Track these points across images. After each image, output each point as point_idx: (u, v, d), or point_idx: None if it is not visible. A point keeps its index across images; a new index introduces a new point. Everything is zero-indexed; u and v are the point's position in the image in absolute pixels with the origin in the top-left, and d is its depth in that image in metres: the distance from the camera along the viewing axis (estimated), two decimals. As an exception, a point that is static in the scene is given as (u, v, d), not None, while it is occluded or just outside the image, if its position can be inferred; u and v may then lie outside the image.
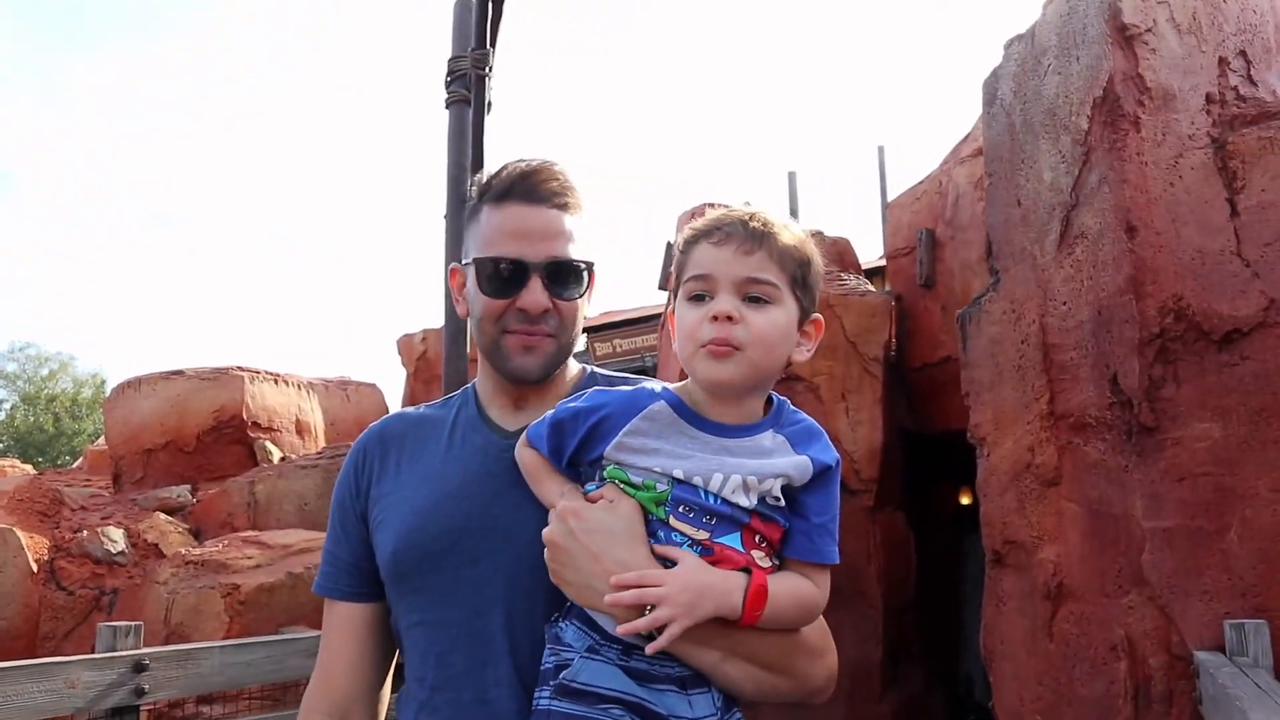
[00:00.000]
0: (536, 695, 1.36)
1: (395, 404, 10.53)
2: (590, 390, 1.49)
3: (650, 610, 1.25)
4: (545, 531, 1.38)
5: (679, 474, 1.33)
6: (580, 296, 1.60)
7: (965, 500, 9.61)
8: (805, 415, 1.44)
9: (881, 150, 14.24)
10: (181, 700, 4.20)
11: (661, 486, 1.33)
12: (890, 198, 10.82)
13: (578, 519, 1.34)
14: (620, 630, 1.27)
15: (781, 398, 1.46)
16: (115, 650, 3.62)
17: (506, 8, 4.50)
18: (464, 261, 1.64)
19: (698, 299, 1.37)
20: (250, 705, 4.44)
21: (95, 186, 71.70)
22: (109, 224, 72.60)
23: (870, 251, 11.74)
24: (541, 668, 1.38)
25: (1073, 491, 4.03)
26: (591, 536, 1.32)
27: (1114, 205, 3.83)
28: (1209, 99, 3.96)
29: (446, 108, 4.30)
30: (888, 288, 9.05)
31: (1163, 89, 3.90)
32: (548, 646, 1.39)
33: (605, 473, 1.38)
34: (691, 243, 1.40)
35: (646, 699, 1.28)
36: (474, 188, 1.65)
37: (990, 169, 4.52)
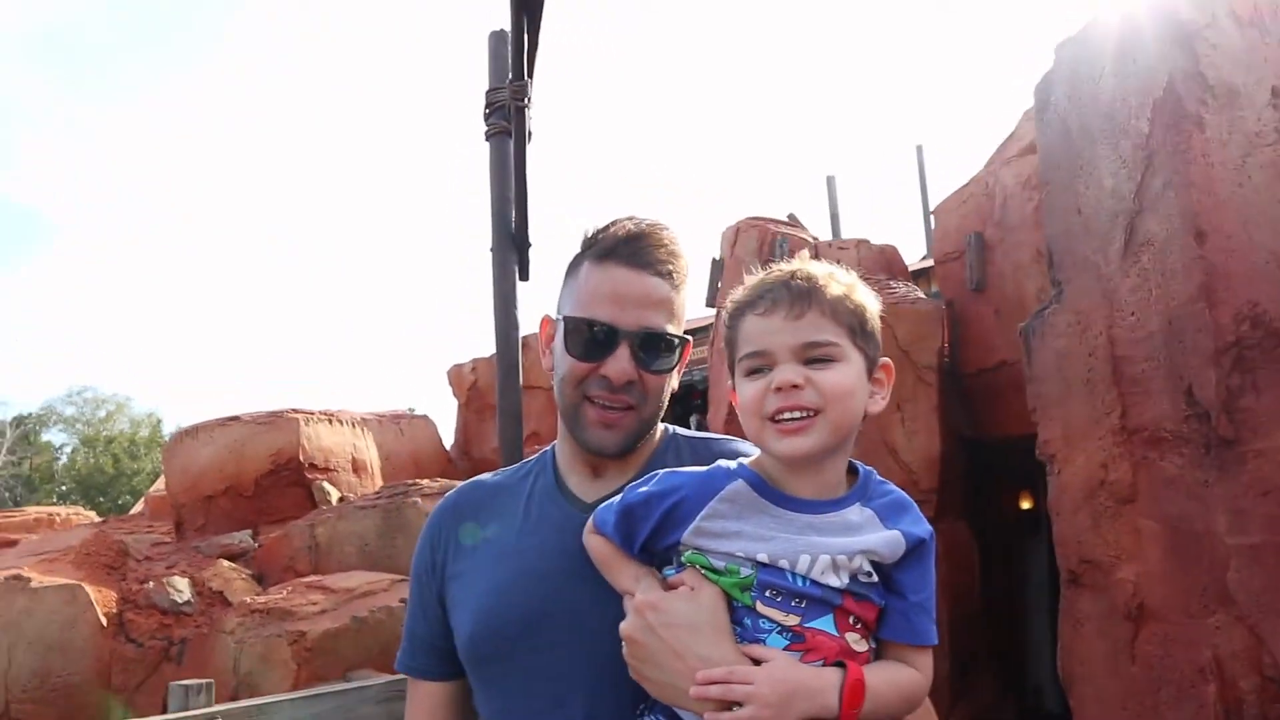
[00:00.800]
0: None
1: (448, 435, 10.56)
2: (660, 473, 1.39)
3: (736, 709, 1.18)
4: (623, 627, 1.30)
5: (763, 557, 1.25)
6: (669, 370, 1.54)
7: (1026, 505, 9.42)
8: (893, 486, 1.36)
9: (920, 150, 14.05)
10: (254, 755, 4.19)
11: (745, 571, 1.26)
12: (930, 198, 10.69)
13: (656, 613, 1.26)
14: (708, 718, 1.19)
15: (868, 468, 1.37)
16: (188, 709, 3.63)
17: (543, 39, 4.48)
18: (558, 314, 1.59)
19: (756, 373, 1.29)
20: (322, 755, 4.43)
21: (136, 231, 73.24)
22: (152, 266, 74.05)
23: (912, 253, 11.58)
24: None
25: (1150, 508, 3.90)
26: (673, 631, 1.25)
27: (1181, 210, 3.70)
28: (1275, 93, 3.81)
29: (487, 140, 4.28)
30: (934, 289, 8.90)
31: (1226, 85, 3.76)
32: None
33: (684, 558, 1.31)
34: (738, 316, 1.33)
35: None
36: (581, 241, 1.60)
37: (1047, 177, 4.40)
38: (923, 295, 8.17)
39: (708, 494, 1.32)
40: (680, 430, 1.69)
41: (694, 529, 1.30)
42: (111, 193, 73.66)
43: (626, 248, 1.51)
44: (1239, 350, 3.59)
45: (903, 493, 1.37)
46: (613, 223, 1.57)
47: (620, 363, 1.48)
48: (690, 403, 10.03)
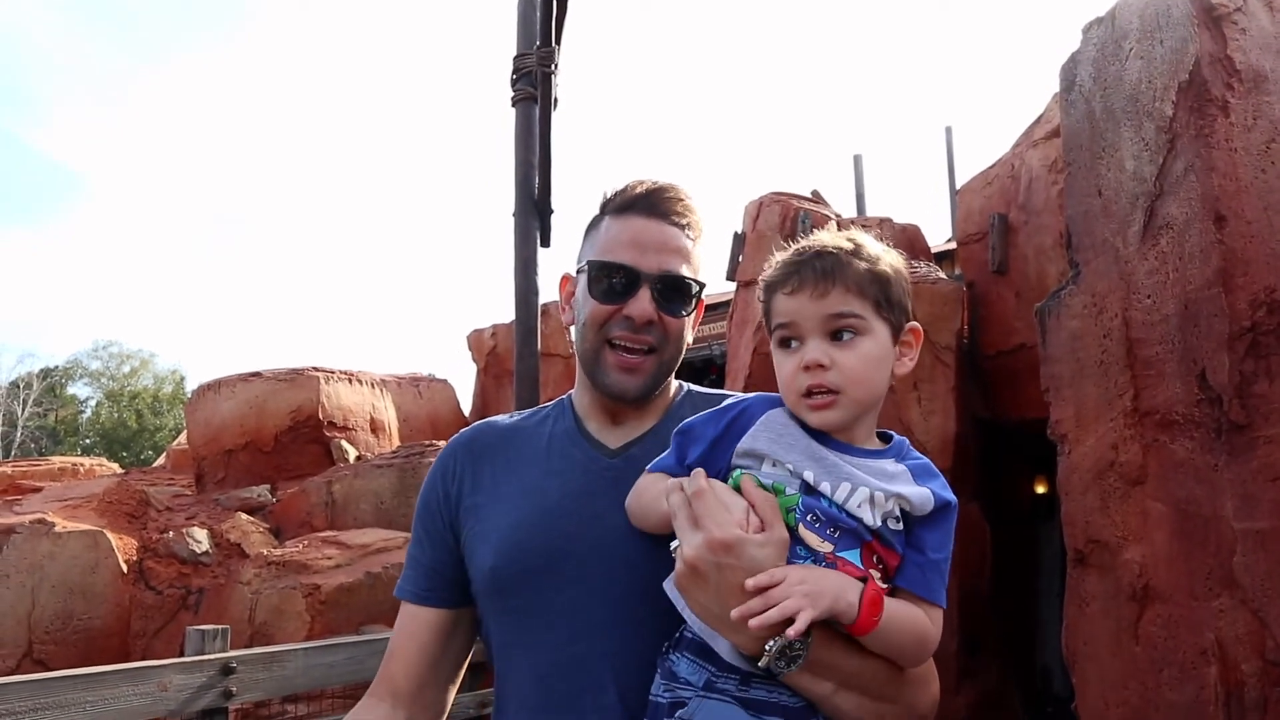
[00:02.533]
0: None
1: (466, 399, 10.62)
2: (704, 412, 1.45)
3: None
4: (689, 553, 1.29)
5: (809, 477, 1.30)
6: (687, 314, 1.59)
7: (1041, 489, 9.41)
8: (922, 455, 1.42)
9: (949, 131, 13.93)
10: (268, 700, 4.30)
11: (790, 490, 1.31)
12: (958, 180, 10.60)
13: (730, 553, 1.26)
14: (753, 624, 1.20)
15: (901, 437, 1.44)
16: (204, 653, 3.72)
17: (571, 5, 4.48)
18: (577, 269, 1.64)
19: (786, 344, 1.36)
20: (333, 705, 4.53)
21: (166, 189, 73.65)
22: (181, 225, 74.53)
23: (938, 235, 11.52)
24: (652, 698, 1.35)
25: (1159, 491, 3.91)
26: (739, 573, 1.25)
27: (1201, 194, 3.69)
28: (1302, 79, 3.79)
29: (513, 105, 4.30)
30: (957, 272, 8.87)
31: (1253, 71, 3.74)
32: (661, 680, 1.36)
33: (733, 478, 1.35)
34: (770, 291, 1.39)
35: None
36: (600, 202, 1.65)
37: (1069, 158, 4.38)
38: (943, 275, 8.14)
39: (767, 406, 1.39)
40: (695, 387, 1.73)
41: (750, 438, 1.36)
42: (142, 150, 74.11)
43: (646, 200, 1.58)
44: (1254, 336, 3.58)
45: (930, 461, 1.42)
46: (629, 183, 1.62)
47: (642, 303, 1.53)
48: (708, 375, 10.06)
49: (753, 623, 1.20)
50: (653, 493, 1.41)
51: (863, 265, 1.35)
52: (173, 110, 75.00)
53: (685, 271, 1.57)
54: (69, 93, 70.81)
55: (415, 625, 1.63)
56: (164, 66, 74.73)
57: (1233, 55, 3.74)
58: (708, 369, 10.34)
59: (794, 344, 1.36)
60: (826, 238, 1.39)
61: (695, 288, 1.58)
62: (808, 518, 1.29)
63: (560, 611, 1.48)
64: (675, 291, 1.56)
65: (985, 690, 7.55)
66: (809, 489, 1.30)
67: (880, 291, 1.35)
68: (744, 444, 1.36)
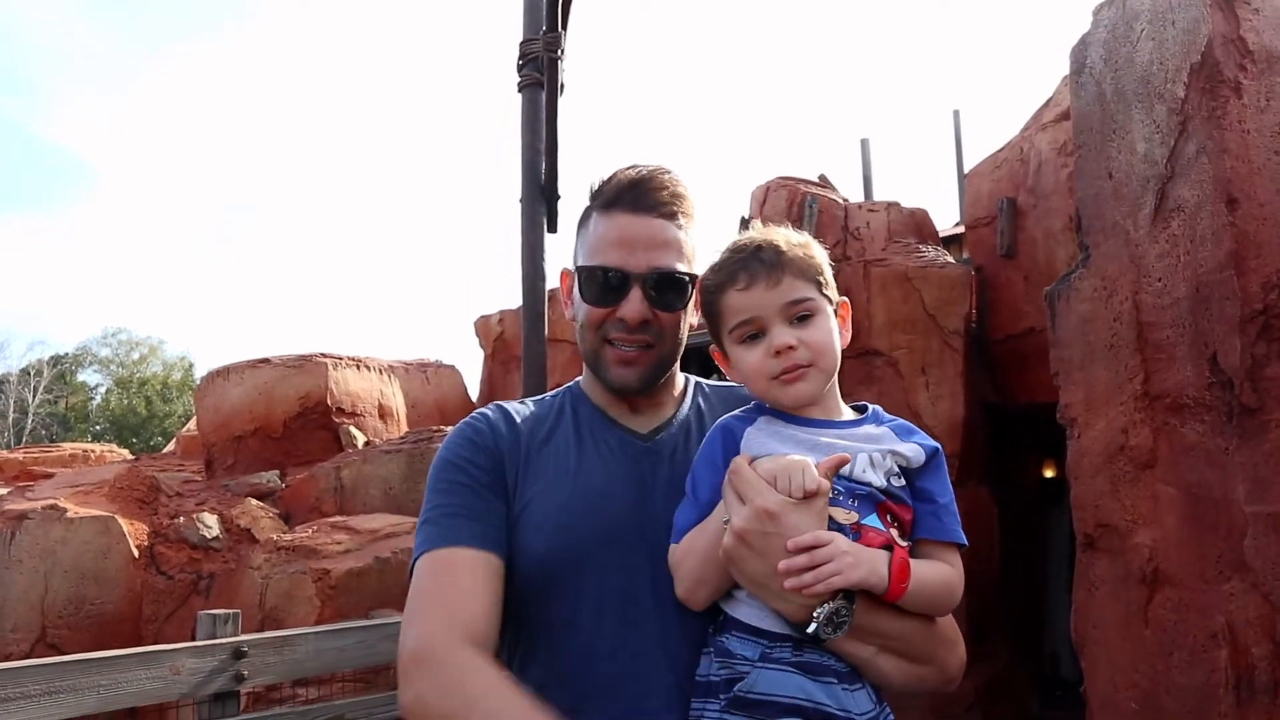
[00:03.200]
0: (700, 708, 1.38)
1: (474, 385, 10.63)
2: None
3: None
4: (737, 523, 1.33)
5: (812, 460, 1.35)
6: (682, 308, 1.60)
7: (1050, 473, 9.40)
8: (896, 417, 1.53)
9: (957, 115, 13.81)
10: (279, 684, 4.32)
11: None
12: (966, 164, 10.54)
13: (776, 521, 1.31)
14: (789, 584, 1.27)
15: (874, 405, 1.54)
16: (216, 637, 3.74)
17: (577, -10, 4.46)
18: (573, 267, 1.65)
19: (750, 338, 1.45)
20: (343, 688, 4.55)
21: (174, 177, 73.75)
22: (189, 213, 74.64)
23: (946, 219, 11.47)
24: (705, 679, 1.40)
25: (1169, 474, 3.90)
26: (781, 541, 1.31)
27: (1213, 176, 3.66)
28: (1316, 60, 3.75)
29: (519, 91, 4.28)
30: (965, 256, 8.84)
31: (1266, 51, 3.70)
32: (713, 659, 1.40)
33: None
34: (717, 292, 1.47)
35: (825, 703, 1.31)
36: (588, 193, 1.66)
37: (1079, 140, 4.36)
38: (951, 260, 8.11)
39: (744, 427, 1.47)
40: (704, 380, 1.76)
41: (744, 450, 1.43)
42: (150, 138, 74.15)
43: (629, 194, 1.58)
44: (1266, 319, 3.56)
45: (906, 421, 1.54)
46: (615, 173, 1.63)
47: (634, 304, 1.55)
48: (711, 364, 10.04)
49: (789, 583, 1.28)
50: (700, 545, 1.42)
51: (799, 253, 1.47)
52: (181, 98, 75.07)
53: (677, 264, 1.57)
54: (77, 81, 70.87)
55: (489, 569, 1.46)
56: (171, 54, 74.69)
57: (1246, 36, 3.70)
58: (709, 357, 10.32)
59: (758, 336, 1.44)
60: (756, 235, 1.50)
61: (687, 280, 1.59)
62: (833, 495, 1.36)
63: (610, 595, 1.49)
64: (667, 287, 1.58)
65: (993, 674, 7.57)
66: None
67: (819, 274, 1.47)
68: (743, 446, 1.44)
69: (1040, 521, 9.40)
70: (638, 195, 1.57)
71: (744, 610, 1.39)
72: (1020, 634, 8.47)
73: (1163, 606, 3.95)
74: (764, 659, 1.34)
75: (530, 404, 1.72)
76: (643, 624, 1.47)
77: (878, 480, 1.39)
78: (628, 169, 1.61)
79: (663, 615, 1.46)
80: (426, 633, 1.37)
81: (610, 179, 1.62)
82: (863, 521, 1.36)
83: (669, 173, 1.61)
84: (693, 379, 1.75)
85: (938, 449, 1.47)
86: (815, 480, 1.32)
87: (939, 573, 1.40)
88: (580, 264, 1.61)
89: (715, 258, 1.52)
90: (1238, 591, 3.66)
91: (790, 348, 1.41)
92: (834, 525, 1.34)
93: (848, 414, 1.51)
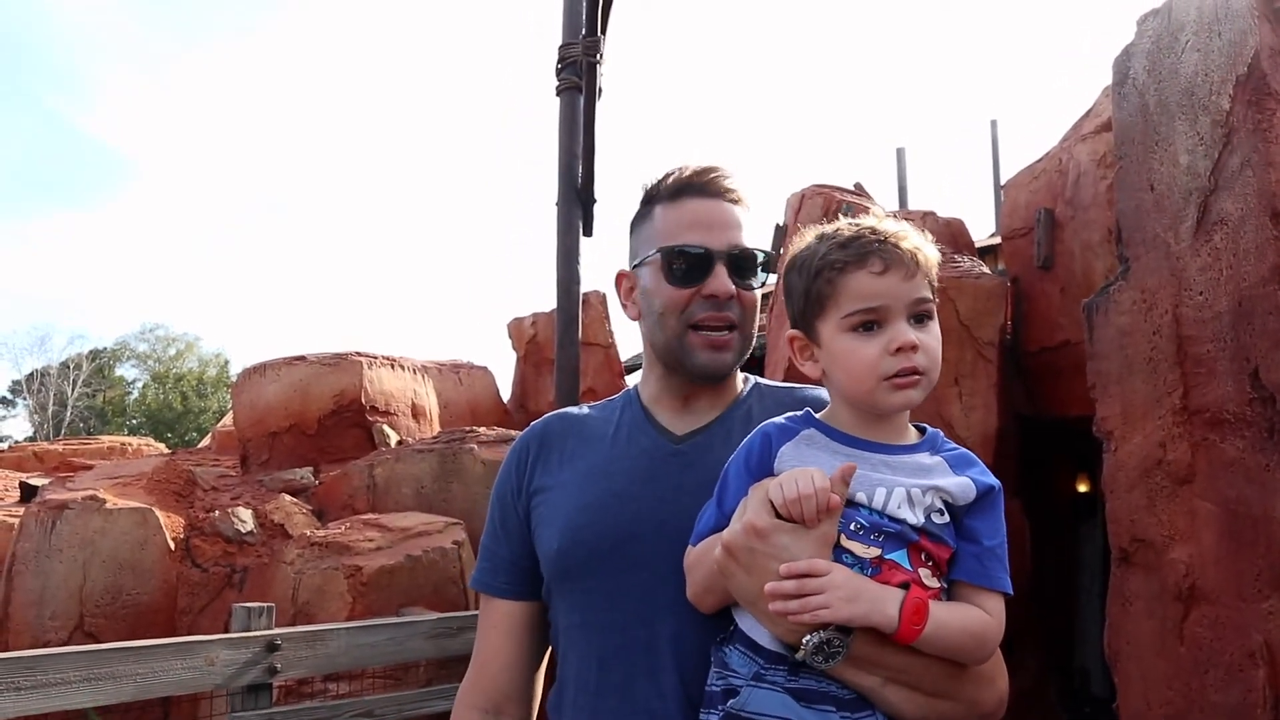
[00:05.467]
0: (704, 717, 1.36)
1: (506, 387, 10.67)
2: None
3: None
4: (725, 536, 1.32)
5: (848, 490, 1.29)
6: (760, 287, 1.61)
7: (1083, 488, 9.30)
8: (957, 444, 1.42)
9: (994, 125, 13.78)
10: (310, 678, 4.37)
11: None
12: (1003, 174, 10.48)
13: (762, 540, 1.27)
14: (774, 608, 1.23)
15: (935, 429, 1.44)
16: (250, 630, 3.79)
17: (618, -5, 4.48)
18: (634, 264, 1.66)
19: (865, 328, 1.34)
20: (373, 684, 4.59)
21: (212, 174, 74.70)
22: (227, 209, 75.57)
23: (981, 230, 11.39)
24: (708, 689, 1.37)
25: (1207, 490, 3.85)
26: (769, 561, 1.27)
27: (1258, 190, 3.61)
28: (1365, 74, 3.70)
29: (558, 95, 4.31)
30: (1001, 267, 8.76)
31: (1314, 65, 3.66)
32: (714, 669, 1.38)
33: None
34: (840, 270, 1.35)
35: None
36: (642, 196, 1.67)
37: (1121, 151, 4.32)
38: (986, 270, 8.05)
39: (784, 439, 1.38)
40: (762, 380, 1.74)
41: (776, 468, 1.36)
42: (190, 134, 75.18)
43: (697, 182, 1.60)
44: (1309, 335, 3.52)
45: (967, 449, 1.43)
46: (671, 171, 1.64)
47: (721, 279, 1.55)
48: (748, 368, 10.03)
49: (773, 606, 1.23)
50: (706, 560, 1.38)
51: (931, 251, 1.38)
52: (220, 94, 76.17)
53: (752, 244, 1.59)
54: (118, 76, 72.13)
55: (509, 622, 1.65)
56: (211, 49, 75.85)
57: (1293, 48, 3.66)
58: (747, 363, 10.31)
59: (874, 327, 1.34)
60: (891, 223, 1.39)
61: (764, 258, 1.59)
62: (851, 527, 1.29)
63: (624, 595, 1.50)
64: (748, 264, 1.59)
65: (1023, 689, 7.49)
66: (846, 501, 1.29)
67: (934, 277, 1.39)
68: (777, 466, 1.36)
69: (1073, 536, 9.30)
70: (706, 183, 1.59)
71: (747, 622, 1.35)
72: (1050, 649, 8.38)
73: (1199, 624, 3.89)
74: (757, 678, 1.29)
75: (589, 407, 1.76)
76: (656, 623, 1.47)
77: (913, 519, 1.29)
78: (684, 166, 1.63)
79: (677, 614, 1.45)
80: (460, 690, 1.68)
81: (669, 175, 1.63)
82: (886, 556, 1.28)
83: (725, 166, 1.63)
84: (754, 378, 1.73)
85: (993, 487, 1.35)
86: (813, 511, 1.24)
87: (967, 620, 1.29)
88: (660, 245, 1.59)
89: (810, 241, 1.42)
90: (1276, 610, 3.61)
91: (914, 347, 1.31)
92: (853, 558, 1.27)
93: (910, 435, 1.41)
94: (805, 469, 1.29)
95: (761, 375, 1.75)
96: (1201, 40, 3.91)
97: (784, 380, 2.28)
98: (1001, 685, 1.42)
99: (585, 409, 1.74)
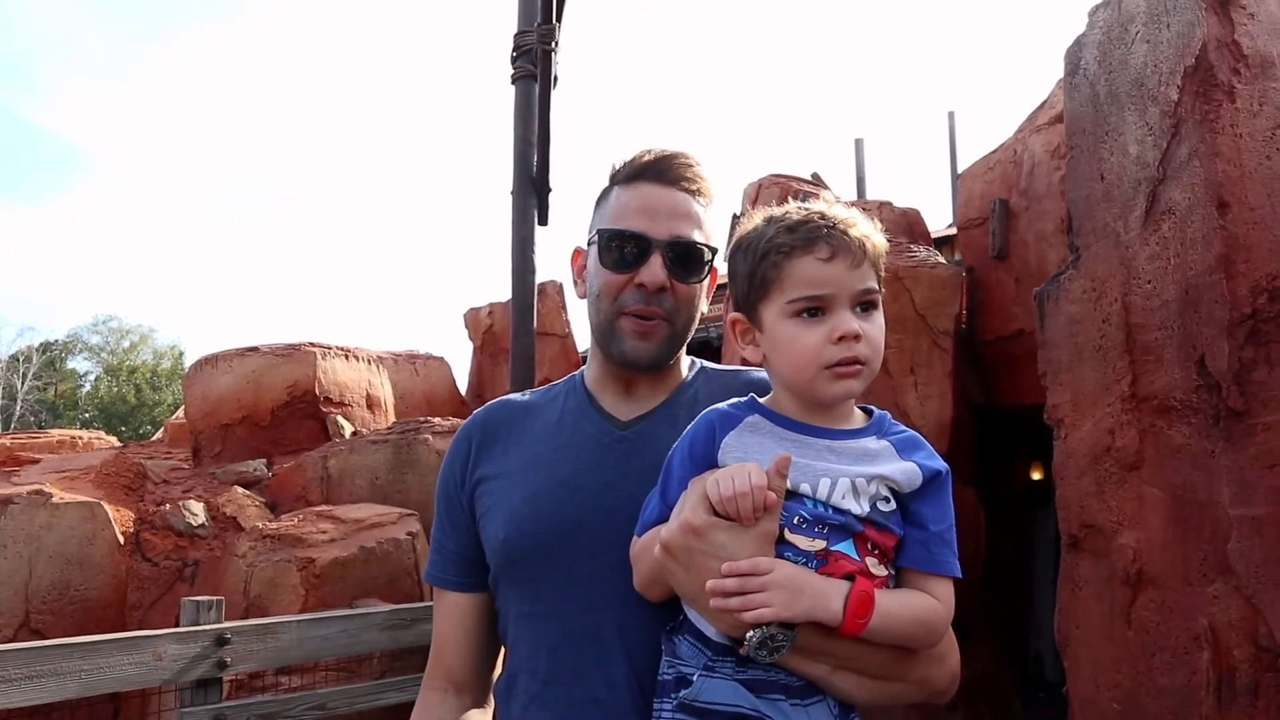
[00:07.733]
0: (657, 706, 1.34)
1: (462, 377, 10.60)
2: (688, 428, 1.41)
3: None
4: (663, 534, 1.30)
5: (787, 484, 1.26)
6: (699, 281, 1.58)
7: (1037, 476, 9.44)
8: (905, 427, 1.40)
9: (952, 116, 13.87)
10: (261, 672, 4.31)
11: None
12: (960, 165, 10.56)
13: (699, 538, 1.25)
14: (714, 605, 1.21)
15: (882, 410, 1.42)
16: (199, 624, 3.73)
17: (572, -17, 4.44)
18: (588, 240, 1.63)
19: (809, 315, 1.31)
20: (326, 677, 4.54)
21: (167, 165, 73.49)
22: (182, 202, 74.41)
23: (939, 220, 11.49)
24: (660, 678, 1.36)
25: (1155, 476, 3.91)
26: (708, 559, 1.25)
27: (1205, 180, 3.67)
28: (1309, 65, 3.76)
29: (513, 83, 4.28)
30: (957, 257, 8.84)
31: (1260, 56, 3.71)
32: (665, 658, 1.36)
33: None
34: (786, 254, 1.32)
35: (767, 713, 1.24)
36: (609, 172, 1.65)
37: (1072, 142, 4.36)
38: (942, 260, 8.12)
39: (727, 427, 1.35)
40: (708, 363, 1.72)
41: (719, 461, 1.33)
42: (142, 125, 73.86)
43: (655, 167, 1.57)
44: (1254, 323, 3.57)
45: (915, 432, 1.40)
46: (638, 153, 1.62)
47: (653, 270, 1.52)
48: (704, 359, 10.04)
49: (714, 604, 1.21)
50: (650, 552, 1.35)
51: (879, 239, 1.35)
52: (175, 88, 74.89)
53: (697, 237, 1.55)
54: (72, 69, 70.69)
55: (458, 613, 1.66)
56: (166, 44, 74.48)
57: (1240, 40, 3.71)
58: (703, 352, 10.33)
59: (818, 314, 1.31)
60: (840, 209, 1.36)
61: (707, 253, 1.57)
62: (794, 521, 1.26)
63: (573, 584, 1.48)
64: (686, 257, 1.55)
65: (977, 675, 7.58)
66: (789, 494, 1.27)
67: (881, 267, 1.36)
68: (720, 457, 1.33)
69: (1027, 523, 9.43)
70: (663, 169, 1.56)
71: (694, 613, 1.33)
72: (1004, 635, 8.49)
73: (1146, 608, 3.96)
74: (707, 669, 1.27)
75: (531, 395, 1.73)
76: (605, 611, 1.46)
77: (858, 509, 1.27)
78: (650, 148, 1.61)
79: (626, 603, 1.43)
80: (426, 671, 1.70)
81: (633, 157, 1.61)
82: (832, 548, 1.26)
83: (693, 154, 1.60)
84: (700, 362, 1.71)
85: (939, 472, 1.33)
86: (749, 509, 1.22)
87: (915, 607, 1.28)
88: (600, 228, 1.58)
89: (758, 223, 1.38)
90: (1220, 594, 3.67)
91: (857, 336, 1.28)
92: (797, 552, 1.25)
93: (856, 419, 1.39)
94: (742, 465, 1.26)
95: (719, 363, 1.73)
96: (1151, 31, 3.96)
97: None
98: (953, 662, 1.42)
99: (527, 395, 1.72)
